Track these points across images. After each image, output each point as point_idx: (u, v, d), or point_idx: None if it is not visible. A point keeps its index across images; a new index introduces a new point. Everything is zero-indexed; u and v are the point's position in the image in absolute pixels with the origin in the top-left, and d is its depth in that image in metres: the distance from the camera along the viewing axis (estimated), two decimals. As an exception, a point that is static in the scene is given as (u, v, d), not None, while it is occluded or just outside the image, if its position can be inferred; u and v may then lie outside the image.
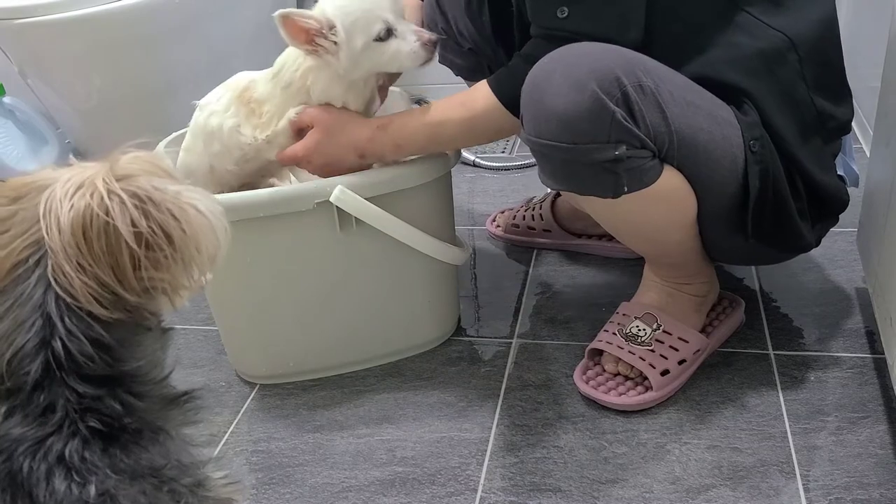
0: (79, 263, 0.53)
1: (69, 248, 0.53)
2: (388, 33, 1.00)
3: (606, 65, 0.90)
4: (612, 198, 0.94)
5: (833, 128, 1.04)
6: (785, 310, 1.24)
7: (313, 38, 1.00)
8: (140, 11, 1.56)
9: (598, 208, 1.02)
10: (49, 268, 0.53)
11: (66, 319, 0.54)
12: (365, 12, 0.99)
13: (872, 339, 1.16)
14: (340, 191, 1.03)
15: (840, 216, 1.10)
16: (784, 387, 1.09)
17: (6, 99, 1.78)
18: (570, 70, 0.90)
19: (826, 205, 1.06)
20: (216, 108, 1.11)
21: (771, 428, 1.03)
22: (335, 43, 1.00)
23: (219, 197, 1.06)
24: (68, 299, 0.53)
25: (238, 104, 1.10)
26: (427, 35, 1.02)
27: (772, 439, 1.01)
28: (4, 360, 0.54)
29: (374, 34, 1.00)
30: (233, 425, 1.14)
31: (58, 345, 0.53)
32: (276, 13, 0.97)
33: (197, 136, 1.13)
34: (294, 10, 0.98)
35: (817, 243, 1.09)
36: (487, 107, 1.03)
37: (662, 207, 1.00)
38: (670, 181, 0.96)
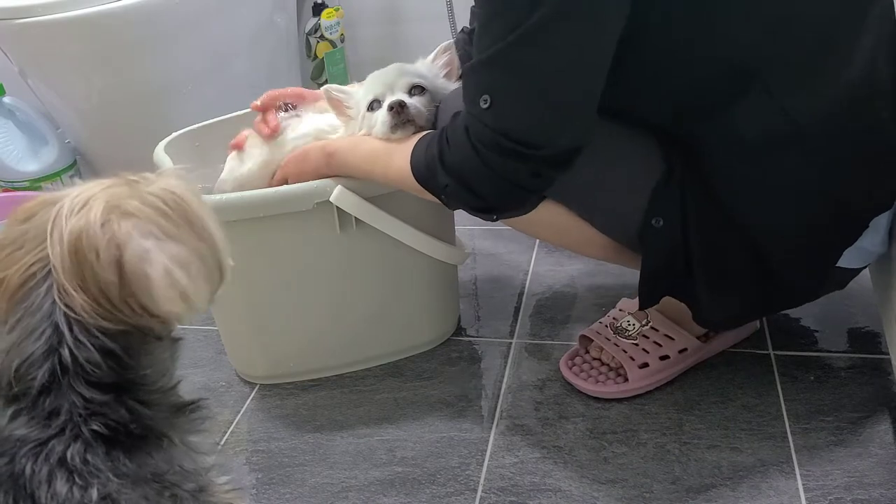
0: (77, 283, 0.54)
1: (66, 266, 0.54)
2: (378, 104, 1.05)
3: None
4: (488, 221, 0.97)
5: (856, 217, 0.91)
6: (785, 310, 1.24)
7: (345, 110, 1.11)
8: (140, 12, 1.56)
9: (508, 222, 1.02)
10: (54, 284, 0.55)
11: (74, 329, 0.55)
12: (367, 88, 1.08)
13: (873, 338, 1.17)
14: (340, 191, 1.03)
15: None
16: (784, 387, 1.09)
17: (6, 99, 1.78)
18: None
19: (778, 303, 1.06)
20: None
21: (771, 428, 1.03)
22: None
23: (220, 197, 1.06)
24: (71, 314, 0.54)
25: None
26: (392, 101, 1.01)
27: (772, 439, 1.01)
28: (13, 366, 0.55)
29: (366, 105, 1.06)
30: (233, 425, 1.14)
31: (65, 352, 0.54)
32: (322, 88, 1.11)
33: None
34: (332, 85, 1.11)
35: (729, 326, 1.13)
36: (403, 170, 0.98)
37: (552, 231, 1.03)
38: (548, 212, 0.97)
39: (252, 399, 1.19)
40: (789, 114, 0.84)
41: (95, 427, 0.55)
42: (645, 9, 0.80)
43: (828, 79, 0.84)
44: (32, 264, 0.55)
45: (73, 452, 0.54)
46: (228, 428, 1.13)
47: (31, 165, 1.77)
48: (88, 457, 0.54)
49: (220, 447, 1.09)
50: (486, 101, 0.82)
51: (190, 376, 1.24)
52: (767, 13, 0.83)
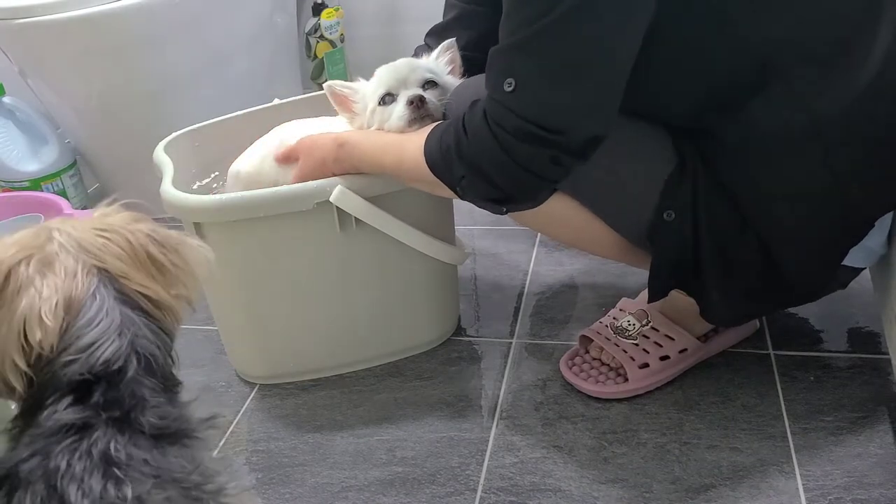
0: (142, 283, 0.62)
1: (132, 271, 0.62)
2: (391, 98, 1.05)
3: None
4: (497, 213, 0.97)
5: (865, 216, 0.91)
6: (788, 308, 1.24)
7: (351, 106, 1.10)
8: (140, 11, 1.56)
9: (515, 217, 1.03)
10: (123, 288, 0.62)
11: (146, 330, 0.61)
12: (377, 82, 1.07)
13: (873, 338, 1.17)
14: (340, 191, 1.03)
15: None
16: (784, 387, 1.09)
17: (6, 99, 1.78)
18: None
19: (783, 300, 1.06)
20: None
21: (771, 428, 1.03)
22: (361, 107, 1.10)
23: (220, 197, 1.06)
24: (150, 309, 0.62)
25: None
26: (410, 95, 1.02)
27: (772, 439, 1.01)
28: (99, 359, 0.58)
29: (378, 99, 1.06)
30: (233, 425, 1.14)
31: (148, 345, 0.61)
32: (325, 84, 1.11)
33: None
34: (337, 81, 1.11)
35: (735, 322, 1.13)
36: (416, 160, 0.97)
37: (560, 227, 1.02)
38: (557, 206, 0.96)
39: (252, 399, 1.19)
40: (809, 110, 0.84)
41: (148, 421, 0.58)
42: (667, 6, 0.80)
43: (848, 75, 0.84)
44: (85, 278, 0.60)
45: (118, 446, 0.56)
46: (228, 428, 1.13)
47: (31, 165, 1.77)
48: (133, 451, 0.56)
49: (218, 448, 1.09)
50: (510, 84, 0.82)
51: (190, 376, 1.23)
52: (791, 9, 0.84)
